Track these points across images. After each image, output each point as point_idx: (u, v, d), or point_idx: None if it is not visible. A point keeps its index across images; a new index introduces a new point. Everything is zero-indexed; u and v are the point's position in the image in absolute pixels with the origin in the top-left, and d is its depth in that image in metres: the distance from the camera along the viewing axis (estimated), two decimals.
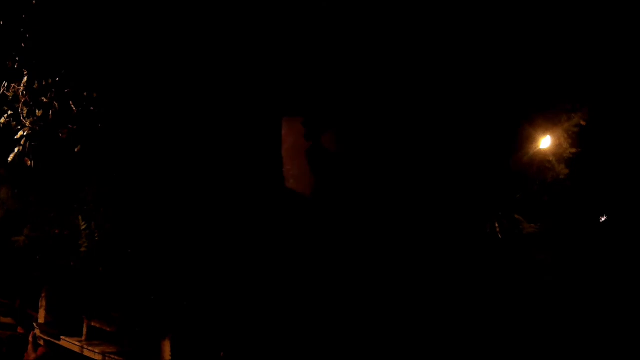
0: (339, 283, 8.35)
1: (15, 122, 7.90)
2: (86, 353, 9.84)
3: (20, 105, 8.02)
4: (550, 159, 8.70)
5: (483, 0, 7.91)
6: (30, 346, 10.60)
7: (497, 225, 8.61)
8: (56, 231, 8.87)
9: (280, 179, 8.86)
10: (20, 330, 11.27)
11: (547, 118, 8.63)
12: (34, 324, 10.67)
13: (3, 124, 7.78)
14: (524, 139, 8.71)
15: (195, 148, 8.15)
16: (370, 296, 8.31)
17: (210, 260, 8.23)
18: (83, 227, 8.52)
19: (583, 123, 8.57)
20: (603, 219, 9.02)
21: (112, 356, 9.51)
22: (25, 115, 8.05)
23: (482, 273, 8.49)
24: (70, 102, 7.71)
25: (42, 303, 10.51)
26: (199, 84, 7.99)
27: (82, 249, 8.64)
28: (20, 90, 7.93)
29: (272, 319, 8.36)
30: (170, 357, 8.53)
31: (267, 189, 8.64)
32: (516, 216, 8.65)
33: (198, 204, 8.24)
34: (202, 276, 8.25)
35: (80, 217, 8.50)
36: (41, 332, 10.54)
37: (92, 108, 7.62)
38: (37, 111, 7.94)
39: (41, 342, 10.50)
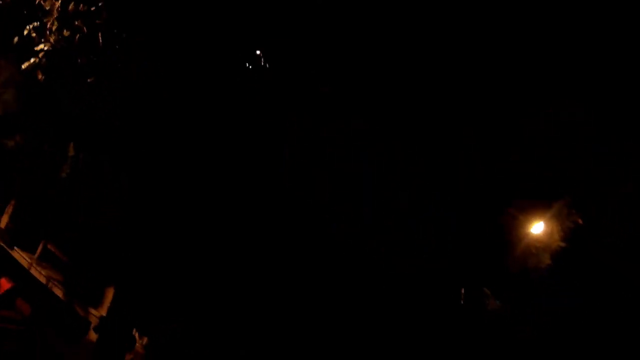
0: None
1: (38, 35, 7.92)
2: (32, 271, 9.84)
3: (51, 20, 8.03)
4: (538, 246, 8.70)
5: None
6: None
7: (462, 292, 8.65)
8: (45, 147, 8.85)
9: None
10: None
11: (548, 206, 8.63)
12: None
13: (26, 35, 7.80)
14: (519, 219, 8.72)
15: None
16: None
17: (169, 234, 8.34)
18: (71, 154, 8.52)
19: (580, 222, 8.56)
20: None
21: (56, 283, 9.54)
22: (53, 30, 8.07)
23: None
24: (99, 34, 7.73)
25: (9, 209, 10.46)
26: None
27: (63, 174, 8.64)
28: (56, 6, 7.95)
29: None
30: (110, 304, 8.59)
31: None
32: (485, 290, 8.67)
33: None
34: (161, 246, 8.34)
35: (72, 145, 8.49)
36: None
37: (117, 46, 7.63)
38: (64, 31, 7.96)
39: None
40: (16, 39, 8.53)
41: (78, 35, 7.84)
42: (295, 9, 8.19)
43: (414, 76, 8.41)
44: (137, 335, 8.46)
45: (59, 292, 9.49)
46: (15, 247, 10.29)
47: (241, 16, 8.18)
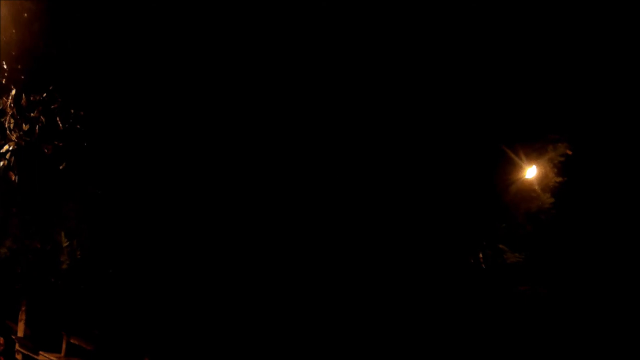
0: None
1: (0, 136, 7.86)
2: None
3: (7, 118, 7.96)
4: (536, 188, 8.70)
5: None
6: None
7: (480, 255, 8.57)
8: (37, 246, 8.72)
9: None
10: (0, 341, 11.07)
11: (533, 148, 8.65)
12: (12, 337, 10.48)
13: None
14: (510, 170, 8.72)
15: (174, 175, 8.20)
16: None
17: (187, 285, 8.19)
18: (65, 244, 8.39)
19: (569, 152, 8.57)
20: None
21: None
22: (11, 128, 8.00)
23: (465, 304, 8.45)
24: (57, 119, 7.66)
25: (22, 317, 10.32)
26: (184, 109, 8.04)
27: (64, 266, 8.51)
28: (8, 104, 7.88)
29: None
30: None
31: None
32: (500, 246, 8.61)
33: (176, 230, 8.24)
34: (180, 299, 8.19)
35: (62, 234, 8.38)
36: (20, 345, 10.34)
37: (78, 126, 7.56)
38: (23, 125, 7.89)
39: (19, 357, 10.31)
40: None
41: (37, 125, 7.77)
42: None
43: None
44: None
45: None
46: (41, 352, 10.12)
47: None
